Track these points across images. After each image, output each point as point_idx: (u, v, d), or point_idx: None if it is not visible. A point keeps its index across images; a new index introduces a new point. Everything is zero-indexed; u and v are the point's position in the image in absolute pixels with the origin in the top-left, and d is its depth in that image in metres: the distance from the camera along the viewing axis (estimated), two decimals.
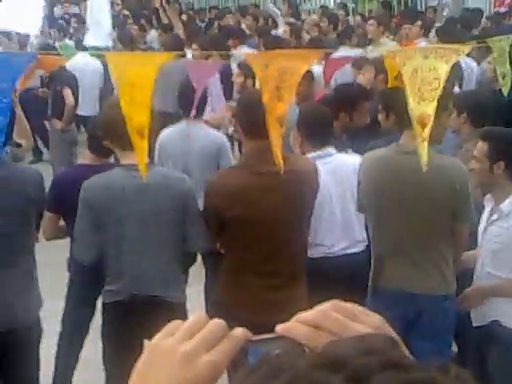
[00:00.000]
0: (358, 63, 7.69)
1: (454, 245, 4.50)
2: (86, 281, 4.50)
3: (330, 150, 5.10)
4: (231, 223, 4.22)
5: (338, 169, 5.06)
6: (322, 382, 0.74)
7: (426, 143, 3.99)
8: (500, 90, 7.72)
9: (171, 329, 1.06)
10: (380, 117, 5.72)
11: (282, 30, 12.56)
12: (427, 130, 3.98)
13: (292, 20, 14.11)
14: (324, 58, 6.42)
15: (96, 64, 10.56)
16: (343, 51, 9.67)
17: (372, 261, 4.61)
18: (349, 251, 5.04)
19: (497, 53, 6.46)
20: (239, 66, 7.49)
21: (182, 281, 4.50)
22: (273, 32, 12.68)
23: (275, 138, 4.12)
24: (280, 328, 1.01)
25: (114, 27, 13.20)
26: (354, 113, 5.86)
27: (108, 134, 4.35)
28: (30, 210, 4.29)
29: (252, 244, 4.24)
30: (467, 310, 4.55)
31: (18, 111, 5.42)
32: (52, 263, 5.58)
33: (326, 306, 1.04)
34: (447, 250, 4.47)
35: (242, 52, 6.25)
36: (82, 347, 5.13)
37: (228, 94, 8.10)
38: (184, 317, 4.44)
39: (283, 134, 4.16)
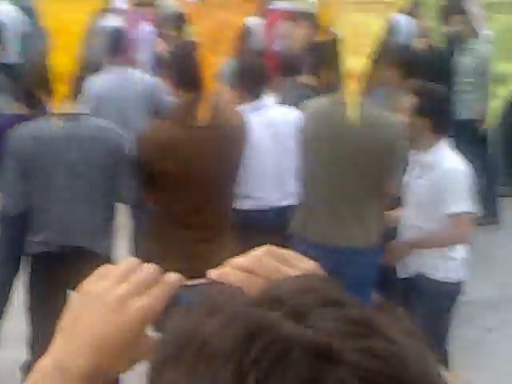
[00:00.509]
0: (294, 17, 7.66)
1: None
2: (14, 234, 4.42)
3: (266, 101, 5.10)
4: (161, 176, 4.19)
5: (273, 121, 5.07)
6: (260, 318, 0.73)
7: (355, 96, 4.02)
8: (430, 44, 7.84)
9: (103, 273, 1.04)
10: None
11: None
12: (357, 84, 4.02)
13: None
14: (261, 11, 6.37)
15: (15, 11, 10.31)
16: (279, 4, 9.60)
17: (298, 210, 4.64)
18: (280, 204, 5.06)
19: (424, 8, 6.53)
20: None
21: (109, 232, 4.44)
22: None
23: (208, 91, 4.11)
24: (214, 273, 1.01)
25: None
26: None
27: (38, 82, 4.24)
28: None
29: (180, 196, 4.22)
30: (393, 263, 4.63)
31: None
32: None
33: (259, 251, 1.04)
34: (375, 205, 4.53)
35: (184, 1, 6.10)
36: (5, 305, 5.07)
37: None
38: None
39: (216, 87, 4.16)
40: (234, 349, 0.69)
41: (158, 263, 1.05)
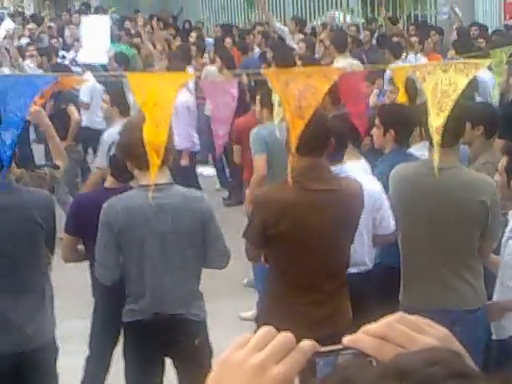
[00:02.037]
0: (372, 77, 7.73)
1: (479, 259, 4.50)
2: (111, 302, 4.50)
3: (347, 167, 5.11)
4: (277, 238, 4.24)
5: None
6: None
7: (439, 150, 4.05)
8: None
9: (241, 342, 1.06)
10: (376, 132, 5.56)
11: (296, 46, 12.62)
12: (439, 137, 4.04)
13: (301, 36, 14.14)
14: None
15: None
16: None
17: (402, 280, 4.58)
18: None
19: (494, 63, 6.48)
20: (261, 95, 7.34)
21: (201, 298, 4.51)
22: None
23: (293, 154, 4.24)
24: (347, 339, 1.03)
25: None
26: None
27: (127, 154, 4.37)
28: (38, 234, 4.27)
29: (296, 260, 4.25)
30: (488, 322, 4.54)
31: (51, 132, 5.33)
32: (72, 283, 5.59)
33: (392, 318, 1.05)
34: (476, 264, 4.47)
35: (262, 70, 6.25)
36: (108, 370, 5.13)
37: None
38: (205, 334, 4.45)
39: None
40: None
41: (276, 326, 1.08)
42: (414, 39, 11.88)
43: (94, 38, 12.32)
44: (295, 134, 4.17)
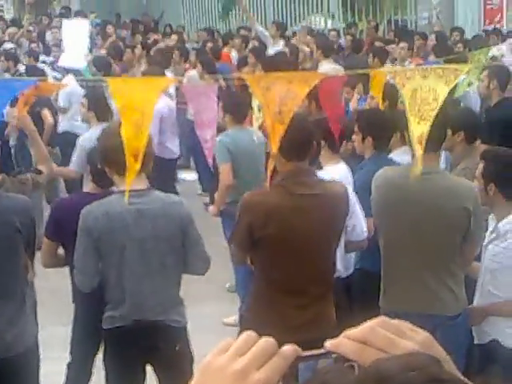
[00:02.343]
0: (352, 83, 7.76)
1: (461, 264, 4.51)
2: (91, 308, 4.48)
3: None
4: (263, 241, 4.26)
5: None
6: None
7: (421, 159, 4.06)
8: (493, 106, 7.82)
9: (222, 347, 1.07)
10: (355, 138, 5.58)
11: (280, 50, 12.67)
12: (423, 147, 4.06)
13: (282, 42, 14.17)
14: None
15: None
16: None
17: (382, 285, 4.58)
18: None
19: (474, 64, 6.52)
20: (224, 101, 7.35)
21: (182, 304, 4.49)
22: None
23: (273, 158, 4.27)
24: (329, 344, 1.03)
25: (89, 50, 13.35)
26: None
27: (105, 160, 4.35)
28: (16, 240, 4.23)
29: (281, 263, 4.27)
30: (469, 327, 4.56)
31: (36, 137, 5.36)
32: (55, 290, 5.57)
33: (374, 322, 1.05)
34: (457, 269, 4.48)
35: (243, 74, 6.27)
36: (90, 376, 5.11)
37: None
38: (186, 340, 4.44)
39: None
40: None
41: (257, 329, 1.09)
42: (402, 45, 11.90)
43: (74, 41, 12.30)
44: (275, 138, 4.20)
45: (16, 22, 19.42)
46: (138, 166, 4.01)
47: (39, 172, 5.17)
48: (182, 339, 4.42)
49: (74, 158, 7.36)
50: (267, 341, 1.05)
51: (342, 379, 0.84)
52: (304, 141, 4.28)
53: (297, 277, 4.29)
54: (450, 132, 5.52)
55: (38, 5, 21.82)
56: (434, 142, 4.31)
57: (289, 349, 1.04)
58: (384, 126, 5.41)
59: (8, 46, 15.40)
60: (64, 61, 12.04)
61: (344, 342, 1.03)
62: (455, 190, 4.41)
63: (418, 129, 3.98)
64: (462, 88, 8.10)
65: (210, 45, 13.87)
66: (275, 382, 1.02)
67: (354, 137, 5.59)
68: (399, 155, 5.49)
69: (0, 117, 4.16)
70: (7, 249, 4.19)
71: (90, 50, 13.54)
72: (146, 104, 3.88)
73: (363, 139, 5.47)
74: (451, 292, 4.44)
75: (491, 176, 4.46)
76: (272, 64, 8.77)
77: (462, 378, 0.90)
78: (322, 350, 1.04)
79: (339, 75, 7.87)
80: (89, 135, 7.22)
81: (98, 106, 7.62)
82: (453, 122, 5.32)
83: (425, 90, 3.91)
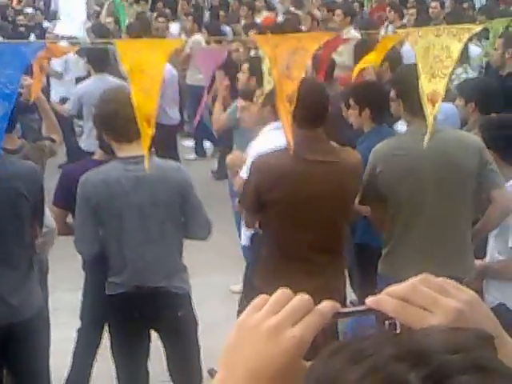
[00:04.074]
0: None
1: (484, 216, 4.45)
2: (100, 275, 4.47)
3: None
4: (271, 204, 4.22)
5: None
6: (399, 376, 0.74)
7: (433, 120, 4.02)
8: (507, 75, 7.72)
9: (257, 304, 1.05)
10: (352, 112, 5.48)
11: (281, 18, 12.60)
12: (437, 106, 4.00)
13: (292, 9, 14.02)
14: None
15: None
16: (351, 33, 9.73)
17: (387, 248, 4.50)
18: None
19: (492, 34, 6.46)
20: (248, 61, 7.34)
21: (184, 271, 4.46)
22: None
23: (284, 115, 4.19)
24: (369, 300, 1.01)
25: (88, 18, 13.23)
26: None
27: (103, 127, 4.31)
28: (21, 205, 4.18)
29: (288, 229, 4.23)
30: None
31: (45, 106, 5.46)
32: (64, 256, 5.56)
33: (416, 279, 1.03)
34: (468, 233, 4.43)
35: (251, 36, 6.22)
36: (100, 341, 5.11)
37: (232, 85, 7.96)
38: (189, 307, 4.43)
39: (291, 110, 4.20)
40: None
41: (266, 293, 1.07)
42: (411, 11, 11.79)
43: (71, 9, 12.20)
44: (281, 94, 4.12)
45: None
46: (151, 130, 3.94)
47: (53, 140, 5.24)
48: (184, 305, 4.41)
49: (69, 102, 8.41)
50: (302, 298, 1.04)
51: (376, 351, 0.80)
52: (316, 107, 4.21)
53: (304, 244, 4.26)
54: (462, 102, 5.49)
55: None
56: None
57: (326, 305, 1.03)
58: (380, 97, 5.28)
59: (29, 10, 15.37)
60: (60, 29, 11.93)
61: (385, 299, 1.01)
62: (463, 140, 4.40)
63: (429, 86, 3.93)
64: (480, 60, 8.02)
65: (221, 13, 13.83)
66: (309, 339, 1.00)
67: (349, 111, 5.49)
68: (403, 124, 5.40)
69: (15, 86, 4.09)
70: (11, 215, 4.15)
71: (88, 18, 13.40)
72: (155, 67, 3.82)
73: (360, 112, 5.38)
74: (471, 250, 4.39)
75: (489, 143, 4.46)
76: (280, 30, 8.68)
77: None
78: (361, 307, 1.02)
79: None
80: (85, 83, 8.26)
81: (95, 57, 8.27)
82: (464, 92, 5.28)
83: (438, 48, 3.85)
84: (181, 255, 4.42)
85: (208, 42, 10.31)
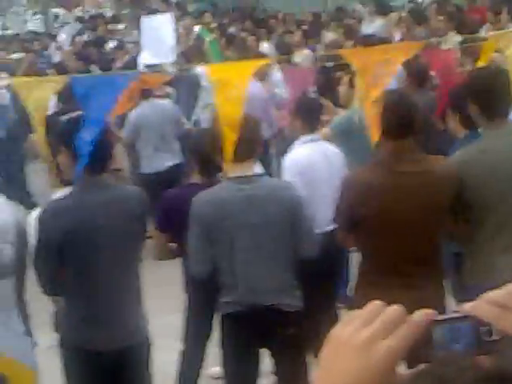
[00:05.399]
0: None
1: None
2: (204, 296, 4.51)
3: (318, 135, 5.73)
4: (363, 220, 4.18)
5: (328, 152, 5.64)
6: None
7: None
8: None
9: (349, 318, 1.03)
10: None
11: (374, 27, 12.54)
12: None
13: (380, 20, 13.90)
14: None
15: None
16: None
17: (472, 259, 4.38)
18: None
19: None
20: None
21: (296, 288, 4.47)
22: None
23: (371, 118, 4.24)
24: (467, 306, 0.99)
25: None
26: None
27: (215, 147, 4.38)
28: (136, 228, 4.27)
29: (382, 243, 4.18)
30: None
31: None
32: (165, 278, 5.62)
33: None
34: None
35: (342, 51, 6.21)
36: (202, 364, 5.13)
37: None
38: (301, 323, 4.40)
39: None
40: None
41: None
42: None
43: (157, 37, 12.28)
44: (369, 103, 4.11)
45: (116, 19, 19.55)
46: (234, 136, 4.04)
47: (118, 169, 5.42)
48: (296, 323, 4.39)
49: (125, 129, 8.59)
50: (395, 309, 1.01)
51: (462, 377, 0.80)
52: (402, 117, 4.12)
53: (399, 258, 4.18)
54: None
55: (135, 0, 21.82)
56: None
57: (419, 314, 0.99)
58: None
59: (111, 44, 15.57)
60: (146, 58, 12.05)
61: (482, 305, 0.97)
62: None
63: None
64: None
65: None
66: (403, 351, 0.97)
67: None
68: None
69: (104, 113, 4.21)
70: (130, 239, 4.23)
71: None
72: (241, 78, 3.90)
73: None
74: None
75: None
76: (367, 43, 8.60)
77: None
78: (457, 314, 0.99)
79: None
80: (137, 110, 8.38)
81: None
82: None
83: None
84: (292, 272, 4.43)
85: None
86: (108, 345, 4.13)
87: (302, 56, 10.71)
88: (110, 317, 4.15)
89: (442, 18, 11.13)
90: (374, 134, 4.19)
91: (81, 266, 4.09)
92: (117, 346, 4.16)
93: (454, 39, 9.84)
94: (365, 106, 4.19)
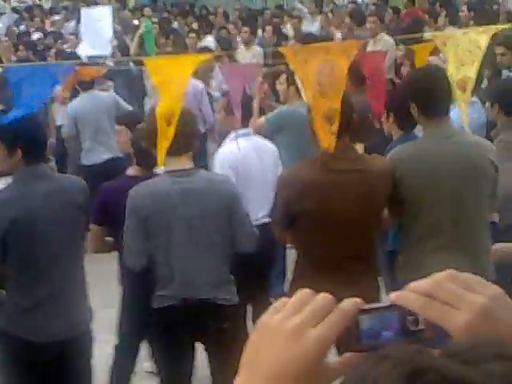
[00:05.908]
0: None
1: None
2: (139, 289, 4.48)
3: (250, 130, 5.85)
4: (300, 217, 4.20)
5: (259, 146, 5.77)
6: (426, 360, 0.78)
7: (465, 106, 3.99)
8: None
9: (278, 306, 1.03)
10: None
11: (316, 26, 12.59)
12: (468, 92, 3.99)
13: (319, 18, 14.03)
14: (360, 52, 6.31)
15: None
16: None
17: (403, 254, 4.45)
18: (265, 220, 5.27)
19: None
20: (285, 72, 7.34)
21: (232, 282, 4.48)
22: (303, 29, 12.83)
23: (323, 135, 4.14)
24: (393, 296, 0.99)
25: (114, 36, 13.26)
26: None
27: (152, 141, 4.35)
28: (79, 218, 4.27)
29: (318, 239, 4.21)
30: None
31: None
32: (102, 273, 5.58)
33: (440, 275, 1.00)
34: (487, 233, 4.38)
35: (281, 48, 6.20)
36: (136, 358, 5.11)
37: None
38: (237, 318, 4.41)
39: (334, 131, 4.14)
40: None
41: None
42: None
43: (96, 29, 12.18)
44: (318, 111, 4.12)
45: (54, 10, 19.34)
46: (170, 130, 4.04)
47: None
48: (231, 317, 4.40)
49: (65, 122, 8.73)
50: (324, 297, 1.01)
51: (402, 349, 0.84)
52: (344, 116, 4.17)
53: (336, 254, 4.22)
54: (488, 104, 5.48)
55: None
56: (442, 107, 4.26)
57: (347, 303, 1.00)
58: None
59: (36, 36, 15.41)
60: (84, 49, 11.95)
61: (408, 295, 0.99)
62: (479, 144, 4.37)
63: (458, 73, 3.94)
64: None
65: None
66: (332, 339, 0.98)
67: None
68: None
69: (39, 102, 4.18)
70: (74, 229, 4.23)
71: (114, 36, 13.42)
72: (180, 77, 3.88)
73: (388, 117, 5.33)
74: (487, 254, 4.33)
75: None
76: (307, 39, 8.66)
77: None
78: (385, 303, 1.00)
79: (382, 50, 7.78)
80: (75, 102, 8.48)
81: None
82: (490, 94, 5.25)
83: (466, 42, 3.88)
84: (228, 267, 4.44)
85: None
86: (49, 336, 4.11)
87: (252, 52, 10.79)
88: (52, 308, 4.12)
89: (372, 19, 11.28)
90: (323, 140, 4.18)
91: (24, 256, 4.07)
92: (59, 338, 4.13)
93: (384, 39, 10.00)
94: (315, 118, 4.17)
